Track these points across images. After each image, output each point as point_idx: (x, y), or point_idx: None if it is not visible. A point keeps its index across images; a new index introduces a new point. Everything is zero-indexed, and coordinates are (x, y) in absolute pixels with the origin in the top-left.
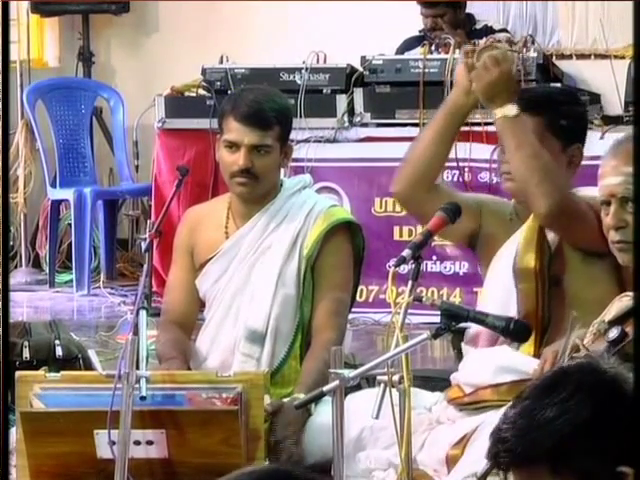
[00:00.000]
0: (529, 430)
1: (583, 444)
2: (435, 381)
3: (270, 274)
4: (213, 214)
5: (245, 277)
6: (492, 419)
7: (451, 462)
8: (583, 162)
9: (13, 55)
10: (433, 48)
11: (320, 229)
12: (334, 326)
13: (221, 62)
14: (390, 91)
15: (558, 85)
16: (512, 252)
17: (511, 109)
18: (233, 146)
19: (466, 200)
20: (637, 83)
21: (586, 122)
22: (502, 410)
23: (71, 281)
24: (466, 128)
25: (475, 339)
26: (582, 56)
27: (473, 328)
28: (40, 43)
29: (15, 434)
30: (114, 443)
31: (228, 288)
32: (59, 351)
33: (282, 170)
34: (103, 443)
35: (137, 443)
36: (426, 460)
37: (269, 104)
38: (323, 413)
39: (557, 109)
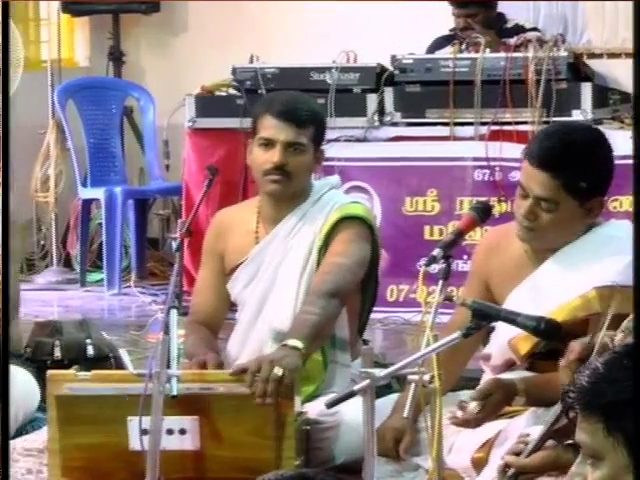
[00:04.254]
0: (597, 382)
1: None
2: (465, 380)
3: (293, 275)
4: (242, 218)
5: (271, 280)
6: (516, 424)
7: (476, 465)
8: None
9: (44, 55)
10: (463, 47)
11: (332, 220)
12: (325, 280)
13: (251, 62)
14: (420, 90)
15: (585, 126)
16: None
17: None
18: (268, 143)
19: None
20: (637, 83)
21: (609, 173)
22: (525, 415)
23: (102, 280)
24: (496, 127)
25: (488, 357)
26: (613, 55)
27: (486, 348)
28: (70, 43)
29: (47, 433)
30: (146, 432)
31: (256, 292)
32: (90, 350)
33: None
34: (135, 431)
35: (170, 432)
36: (454, 463)
37: (305, 105)
38: (352, 412)
39: (576, 171)
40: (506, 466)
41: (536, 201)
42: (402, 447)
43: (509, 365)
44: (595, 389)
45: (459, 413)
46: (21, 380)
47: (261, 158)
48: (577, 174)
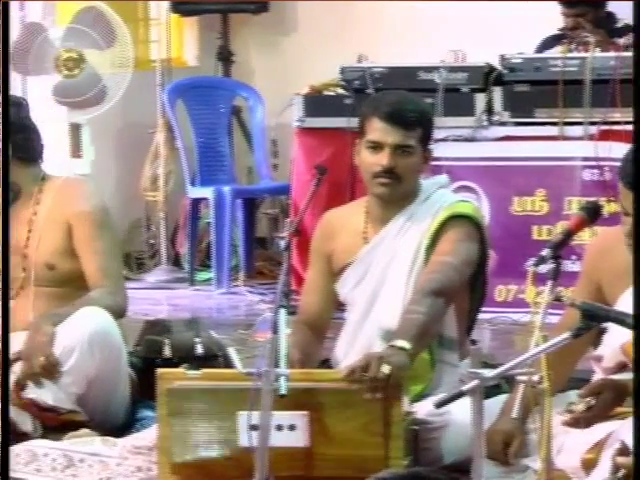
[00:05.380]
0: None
1: None
2: (574, 381)
3: (401, 275)
4: (351, 219)
5: (380, 280)
6: (628, 425)
7: (586, 467)
8: None
9: (153, 54)
10: (573, 47)
11: (440, 219)
12: (431, 279)
13: (359, 61)
14: (529, 90)
15: None
16: None
17: None
18: (377, 146)
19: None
20: (637, 83)
21: None
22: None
23: (210, 279)
24: (606, 127)
25: (600, 359)
26: None
27: (598, 350)
28: (180, 43)
29: (156, 431)
30: (255, 428)
31: (365, 292)
32: (199, 349)
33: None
34: (245, 427)
35: (279, 428)
36: (563, 465)
37: (412, 105)
38: (460, 412)
39: None
40: (617, 467)
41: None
42: (511, 451)
43: (621, 367)
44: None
45: (568, 414)
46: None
47: (369, 160)
48: None
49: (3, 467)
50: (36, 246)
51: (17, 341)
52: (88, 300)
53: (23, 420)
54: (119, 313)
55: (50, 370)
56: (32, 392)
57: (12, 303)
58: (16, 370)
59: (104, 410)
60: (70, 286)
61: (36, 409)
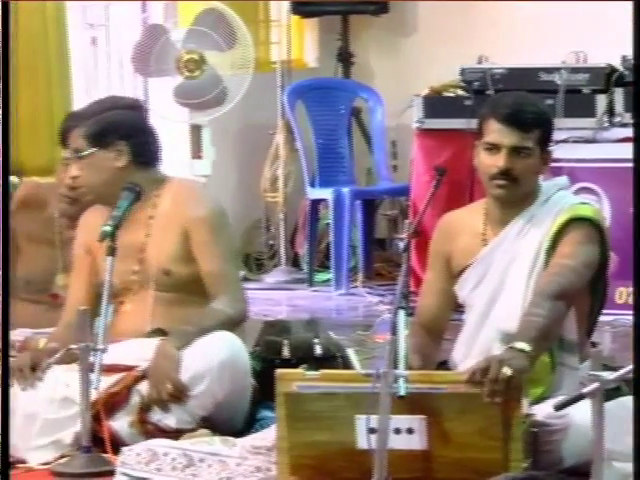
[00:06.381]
0: None
1: None
2: None
3: (521, 277)
4: (469, 221)
5: (499, 282)
6: None
7: None
8: None
9: (274, 56)
10: None
11: (560, 221)
12: (551, 281)
13: (480, 62)
14: None
15: None
16: None
17: None
18: (493, 148)
19: None
20: (637, 83)
21: None
22: None
23: (329, 280)
24: None
25: None
26: None
27: None
28: (300, 44)
29: (275, 431)
30: (373, 431)
31: (484, 294)
32: (318, 350)
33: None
34: (363, 430)
35: (397, 431)
36: None
37: (530, 107)
38: (581, 415)
39: None
40: None
41: None
42: None
43: None
44: None
45: None
46: (227, 346)
47: (487, 162)
48: None
49: (3, 467)
50: (154, 251)
51: (132, 348)
52: (210, 313)
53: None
54: (240, 320)
55: (177, 396)
56: (157, 415)
57: (123, 307)
58: (141, 389)
59: (227, 423)
60: (187, 291)
61: (159, 433)
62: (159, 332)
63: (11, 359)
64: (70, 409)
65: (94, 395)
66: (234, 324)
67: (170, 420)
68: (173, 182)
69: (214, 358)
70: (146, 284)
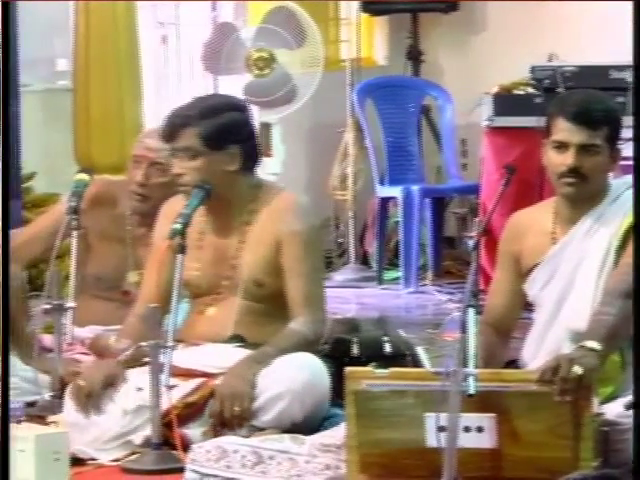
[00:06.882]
0: None
1: None
2: None
3: (591, 276)
4: (539, 219)
5: (569, 280)
6: None
7: None
8: None
9: (343, 54)
10: None
11: (630, 220)
12: (622, 280)
13: (550, 60)
14: None
15: None
16: None
17: None
18: (562, 146)
19: None
20: (637, 84)
21: None
22: None
23: (398, 278)
24: None
25: None
26: None
27: None
28: (369, 42)
29: (345, 429)
30: (443, 429)
31: (553, 293)
32: (387, 348)
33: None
34: (433, 428)
35: (467, 430)
36: None
37: (599, 105)
38: None
39: None
40: None
41: None
42: None
43: None
44: None
45: None
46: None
47: (555, 161)
48: None
49: (3, 466)
50: (247, 259)
51: (210, 354)
52: (288, 334)
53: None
54: (317, 342)
55: (240, 423)
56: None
57: (207, 311)
58: (213, 412)
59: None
60: (274, 303)
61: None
62: (238, 338)
63: (79, 381)
64: (143, 416)
65: (167, 400)
66: (310, 345)
67: (243, 432)
68: (271, 189)
69: (296, 380)
70: (234, 291)
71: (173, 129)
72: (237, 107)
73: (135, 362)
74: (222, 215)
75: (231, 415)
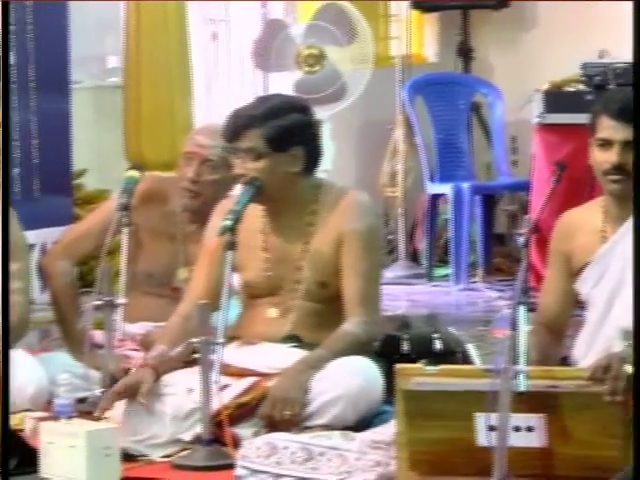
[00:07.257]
0: None
1: None
2: None
3: None
4: (589, 218)
5: (619, 279)
6: None
7: None
8: None
9: (393, 51)
10: None
11: None
12: None
13: (601, 57)
14: None
15: None
16: None
17: None
18: (606, 144)
19: None
20: (637, 84)
21: None
22: None
23: (449, 275)
24: None
25: None
26: None
27: None
28: (420, 39)
29: (395, 426)
30: (493, 428)
31: (604, 291)
32: (437, 345)
33: None
34: (483, 427)
35: (517, 429)
36: None
37: None
38: None
39: None
40: None
41: None
42: None
43: None
44: None
45: None
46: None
47: (600, 158)
48: None
49: (3, 466)
50: (312, 261)
51: (265, 354)
52: (342, 335)
53: None
54: (370, 344)
55: (288, 426)
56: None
57: (267, 312)
58: (263, 414)
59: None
60: (335, 304)
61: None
62: (294, 338)
63: (128, 377)
64: (192, 418)
65: (219, 400)
66: (364, 347)
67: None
68: (332, 188)
69: (351, 385)
70: (297, 292)
71: (236, 129)
72: (300, 108)
73: (178, 364)
74: (284, 216)
75: (281, 419)
